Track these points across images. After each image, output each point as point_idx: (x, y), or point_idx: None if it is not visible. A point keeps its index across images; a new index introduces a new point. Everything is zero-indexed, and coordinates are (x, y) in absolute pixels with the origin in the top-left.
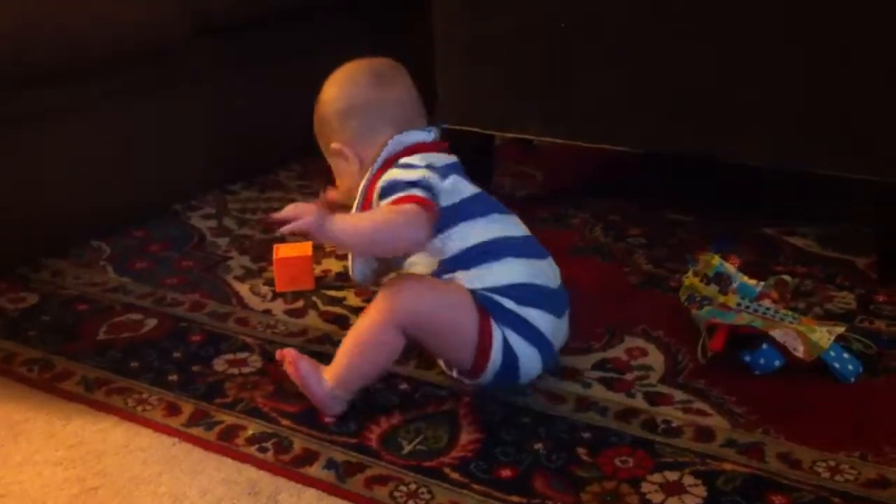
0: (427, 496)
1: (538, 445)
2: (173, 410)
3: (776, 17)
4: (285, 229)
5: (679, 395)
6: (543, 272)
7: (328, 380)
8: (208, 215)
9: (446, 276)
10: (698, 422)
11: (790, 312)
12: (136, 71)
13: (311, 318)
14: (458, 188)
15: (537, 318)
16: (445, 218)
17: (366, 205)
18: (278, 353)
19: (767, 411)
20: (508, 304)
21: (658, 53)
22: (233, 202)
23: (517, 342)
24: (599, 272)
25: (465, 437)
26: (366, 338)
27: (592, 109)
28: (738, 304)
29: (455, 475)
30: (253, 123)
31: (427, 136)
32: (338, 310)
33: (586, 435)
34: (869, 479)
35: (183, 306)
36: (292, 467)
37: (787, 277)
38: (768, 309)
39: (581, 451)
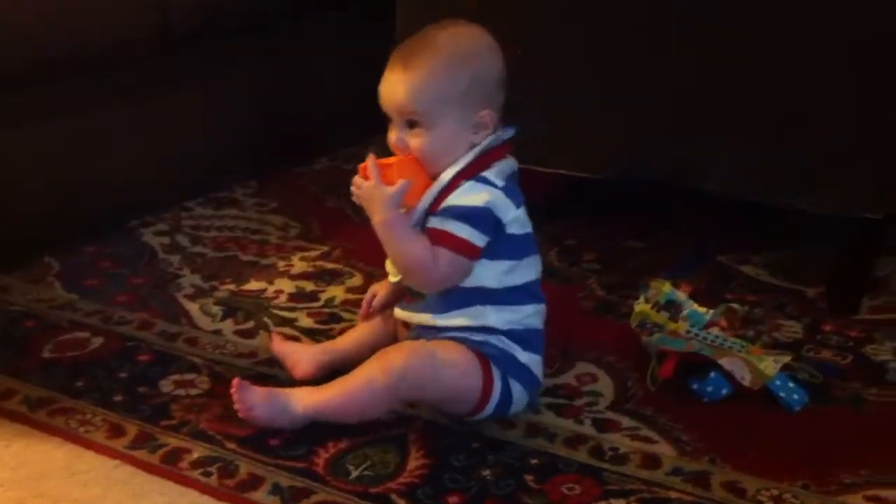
0: None
1: (486, 472)
2: (117, 432)
3: (745, 50)
4: (357, 184)
5: (627, 422)
6: (544, 316)
7: (301, 402)
8: (161, 232)
9: (477, 306)
10: (645, 449)
11: (739, 341)
12: (91, 80)
13: (262, 340)
14: (525, 217)
15: (536, 365)
16: (514, 248)
17: (438, 203)
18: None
19: (714, 439)
20: (522, 356)
21: (622, 79)
22: (187, 219)
23: (517, 390)
24: (553, 297)
25: (414, 462)
26: (362, 394)
27: (550, 134)
28: (688, 332)
29: (402, 501)
30: (209, 139)
31: (510, 133)
32: (288, 331)
33: (535, 461)
34: None
35: (131, 325)
36: (237, 492)
37: (736, 305)
38: (717, 337)
39: (529, 478)
